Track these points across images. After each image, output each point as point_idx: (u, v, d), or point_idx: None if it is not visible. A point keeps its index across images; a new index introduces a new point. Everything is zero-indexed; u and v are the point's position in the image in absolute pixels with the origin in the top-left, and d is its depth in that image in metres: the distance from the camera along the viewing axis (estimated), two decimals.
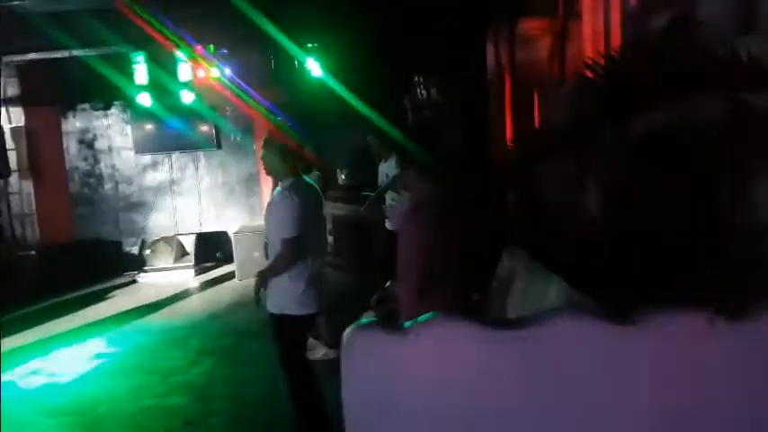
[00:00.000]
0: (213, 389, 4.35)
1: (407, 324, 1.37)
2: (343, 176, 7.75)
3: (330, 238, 6.17)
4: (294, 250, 3.01)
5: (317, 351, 5.10)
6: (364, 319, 1.57)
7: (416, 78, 6.38)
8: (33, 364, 4.97)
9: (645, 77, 0.63)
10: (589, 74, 0.65)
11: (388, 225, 4.90)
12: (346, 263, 6.53)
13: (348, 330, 1.66)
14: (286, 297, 3.06)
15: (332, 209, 5.71)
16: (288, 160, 3.14)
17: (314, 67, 6.98)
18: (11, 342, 5.49)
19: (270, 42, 6.29)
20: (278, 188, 3.21)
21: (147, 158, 8.58)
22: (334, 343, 3.98)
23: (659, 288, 0.57)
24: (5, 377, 4.69)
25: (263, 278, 3.07)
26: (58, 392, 4.40)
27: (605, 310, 0.62)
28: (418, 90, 6.34)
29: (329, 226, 5.61)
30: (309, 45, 6.79)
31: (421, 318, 1.38)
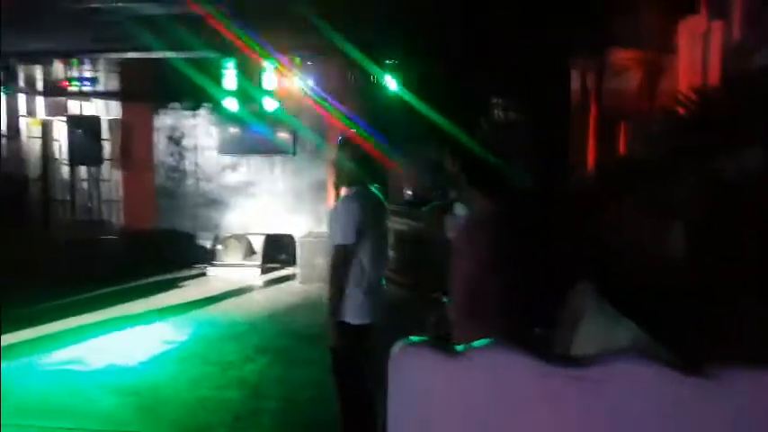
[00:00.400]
0: (266, 387, 4.44)
1: (460, 347, 1.34)
2: (409, 192, 7.77)
3: (391, 253, 6.17)
4: (344, 258, 2.98)
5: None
6: (415, 337, 1.55)
7: (495, 100, 6.34)
8: (103, 342, 5.27)
9: (741, 116, 0.60)
10: (681, 109, 0.63)
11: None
12: (407, 279, 6.53)
13: (398, 346, 1.65)
14: (346, 305, 3.05)
15: (393, 224, 5.72)
16: (358, 167, 3.15)
17: (391, 83, 7.09)
18: (85, 319, 5.88)
19: (351, 56, 6.43)
20: (342, 195, 3.23)
21: (227, 159, 8.96)
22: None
23: (738, 342, 0.53)
24: (75, 351, 5.00)
25: (331, 309, 3.03)
26: (122, 372, 4.63)
27: (677, 358, 0.59)
28: (496, 111, 6.29)
29: (390, 241, 5.63)
30: (388, 61, 6.90)
31: (476, 343, 1.36)
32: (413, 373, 1.56)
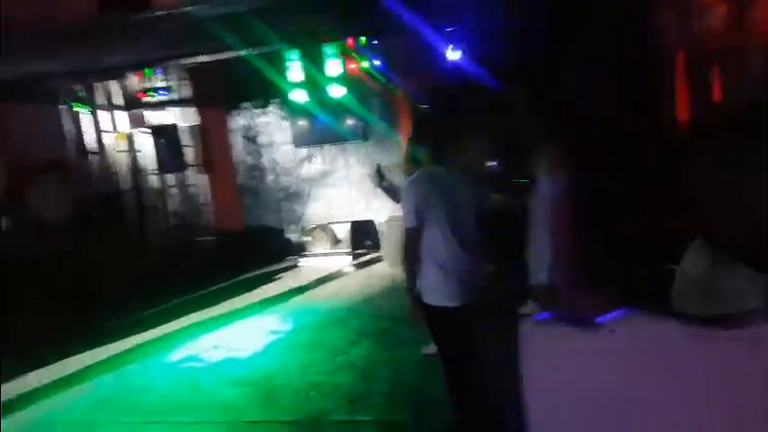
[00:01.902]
0: (373, 369, 4.48)
1: (596, 318, 1.24)
2: (493, 163, 7.57)
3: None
4: (409, 241, 2.94)
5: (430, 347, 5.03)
6: (540, 314, 1.47)
7: (575, 51, 6.00)
8: (214, 338, 5.49)
9: None
10: None
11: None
12: (495, 254, 6.38)
13: (527, 325, 1.57)
14: (425, 287, 2.99)
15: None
16: (423, 150, 3.09)
17: (456, 52, 6.77)
18: (193, 319, 6.18)
19: (414, 29, 6.24)
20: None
21: (303, 151, 9.10)
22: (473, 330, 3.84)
23: None
24: (190, 349, 5.26)
25: (407, 289, 3.02)
26: (236, 365, 4.80)
27: None
28: (576, 65, 5.97)
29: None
30: (451, 28, 6.60)
31: (613, 313, 1.26)
32: (551, 351, 1.48)
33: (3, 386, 4.65)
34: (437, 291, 2.96)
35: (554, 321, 1.57)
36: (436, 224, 2.95)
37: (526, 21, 5.99)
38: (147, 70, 8.39)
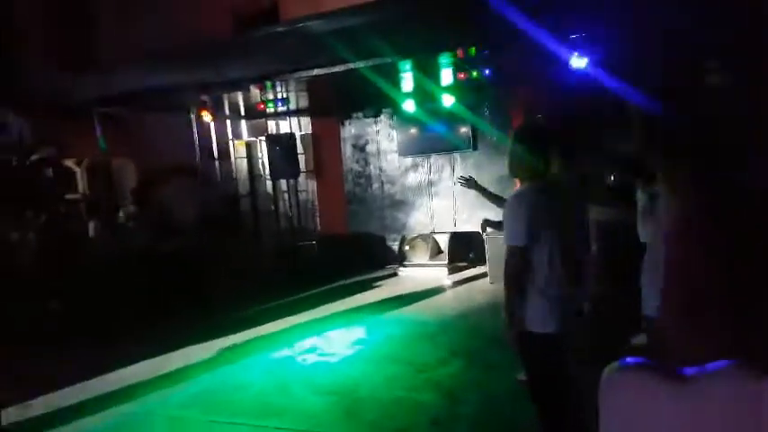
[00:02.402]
0: (462, 391, 4.33)
1: (689, 370, 1.02)
2: (612, 178, 7.06)
3: (594, 247, 5.61)
4: (517, 261, 2.69)
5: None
6: (631, 357, 1.26)
7: (708, 63, 5.42)
8: (308, 342, 5.63)
9: None
10: None
11: (640, 235, 4.21)
12: (608, 275, 5.93)
13: (610, 368, 1.36)
14: (526, 311, 2.74)
15: (596, 214, 5.18)
16: (530, 160, 2.79)
17: (578, 61, 6.41)
18: (292, 321, 6.39)
19: (530, 38, 5.99)
20: (514, 191, 2.88)
21: (408, 161, 9.13)
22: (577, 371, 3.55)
23: None
24: (285, 351, 5.42)
25: (507, 316, 2.76)
26: (325, 371, 4.89)
27: None
28: (709, 77, 5.37)
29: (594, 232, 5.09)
30: (574, 36, 6.26)
31: (710, 365, 1.02)
32: (629, 400, 1.30)
33: (112, 374, 5.12)
34: (541, 315, 2.73)
35: (643, 367, 1.38)
36: (547, 243, 2.71)
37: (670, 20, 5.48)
38: (267, 83, 8.88)
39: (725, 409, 1.12)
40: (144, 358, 5.46)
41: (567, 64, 6.36)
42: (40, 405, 4.61)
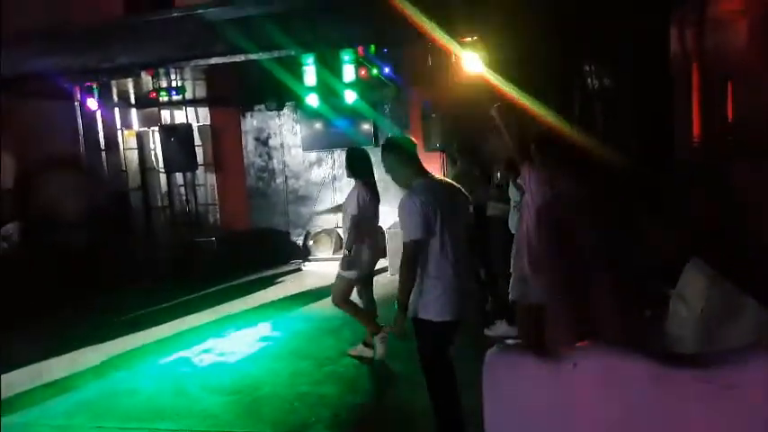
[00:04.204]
0: (362, 382, 4.41)
1: (561, 351, 1.14)
2: (499, 175, 7.45)
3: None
4: (411, 254, 2.88)
5: (498, 328, 4.94)
6: (510, 340, 1.39)
7: (587, 67, 5.87)
8: (206, 343, 5.44)
9: None
10: None
11: (510, 227, 4.59)
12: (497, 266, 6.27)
13: (492, 351, 1.48)
14: (420, 300, 2.94)
15: (491, 210, 5.48)
16: (407, 164, 3.06)
17: (471, 61, 6.68)
18: (189, 321, 6.16)
19: (427, 38, 6.18)
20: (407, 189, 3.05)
21: (313, 155, 9.07)
22: None
23: None
24: (181, 353, 5.22)
25: (400, 305, 2.94)
26: (225, 371, 4.76)
27: None
28: (589, 80, 5.82)
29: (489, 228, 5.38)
30: (468, 39, 6.54)
31: (580, 345, 1.16)
32: (511, 380, 1.41)
33: None
34: (439, 305, 2.92)
35: (521, 349, 1.48)
36: (441, 237, 2.91)
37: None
38: (159, 70, 8.44)
39: (595, 384, 1.24)
40: (26, 363, 5.05)
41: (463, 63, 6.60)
42: None
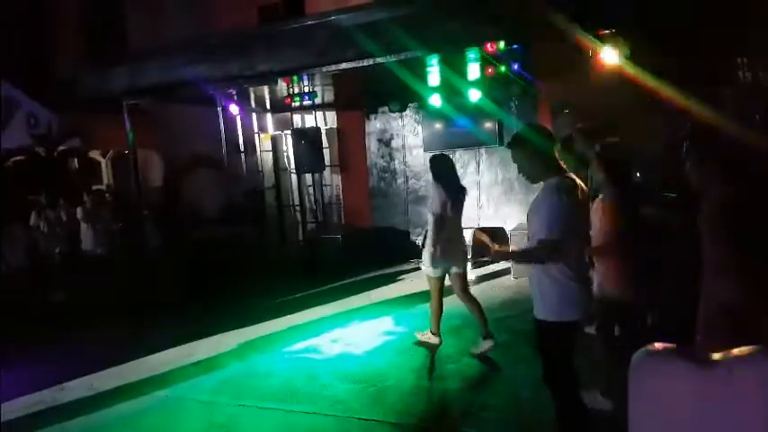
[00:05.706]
0: (487, 383, 4.35)
1: (716, 355, 1.04)
2: (638, 175, 6.98)
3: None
4: (557, 256, 2.74)
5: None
6: (657, 343, 1.27)
7: (739, 60, 5.34)
8: (334, 333, 5.68)
9: None
10: None
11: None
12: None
13: (639, 353, 1.37)
14: (545, 302, 2.83)
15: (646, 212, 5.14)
16: (536, 159, 2.83)
17: (609, 55, 6.30)
18: (318, 312, 6.45)
19: (561, 32, 5.91)
20: (544, 185, 2.86)
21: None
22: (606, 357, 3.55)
23: None
24: (311, 341, 5.47)
25: (510, 254, 3.24)
26: (352, 361, 4.92)
27: None
28: (741, 74, 5.30)
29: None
30: (606, 31, 6.16)
31: (737, 350, 1.04)
32: (659, 386, 1.31)
33: (143, 360, 5.22)
34: (567, 305, 2.80)
35: (671, 352, 1.39)
36: (576, 236, 2.82)
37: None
38: (294, 77, 8.93)
39: (750, 392, 1.13)
40: (174, 345, 5.57)
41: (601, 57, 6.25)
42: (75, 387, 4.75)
